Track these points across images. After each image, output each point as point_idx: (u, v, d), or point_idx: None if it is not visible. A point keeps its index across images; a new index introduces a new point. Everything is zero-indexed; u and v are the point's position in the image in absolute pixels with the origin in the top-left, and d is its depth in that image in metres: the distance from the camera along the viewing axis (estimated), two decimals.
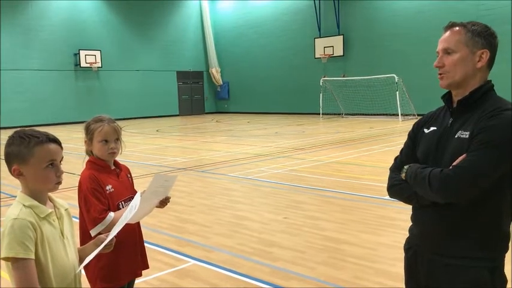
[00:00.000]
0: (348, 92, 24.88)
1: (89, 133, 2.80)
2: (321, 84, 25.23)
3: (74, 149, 12.10)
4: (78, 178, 2.78)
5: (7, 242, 1.82)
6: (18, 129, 2.01)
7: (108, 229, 2.46)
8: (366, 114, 23.72)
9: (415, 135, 2.27)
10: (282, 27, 28.28)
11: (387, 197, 2.27)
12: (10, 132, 2.02)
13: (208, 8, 31.55)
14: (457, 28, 2.09)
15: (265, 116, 27.21)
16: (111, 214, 2.67)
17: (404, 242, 2.29)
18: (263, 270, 4.51)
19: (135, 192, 2.83)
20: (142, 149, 13.83)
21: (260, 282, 4.25)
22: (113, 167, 2.86)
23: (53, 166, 1.95)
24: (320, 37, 26.44)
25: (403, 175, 2.13)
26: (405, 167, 2.14)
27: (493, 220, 2.00)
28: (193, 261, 4.80)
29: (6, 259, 1.82)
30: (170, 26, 30.14)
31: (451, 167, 1.95)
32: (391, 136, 15.53)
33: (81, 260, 2.12)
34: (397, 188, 2.17)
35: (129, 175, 2.99)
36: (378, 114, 23.20)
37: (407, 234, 2.28)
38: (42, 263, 1.89)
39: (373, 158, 10.97)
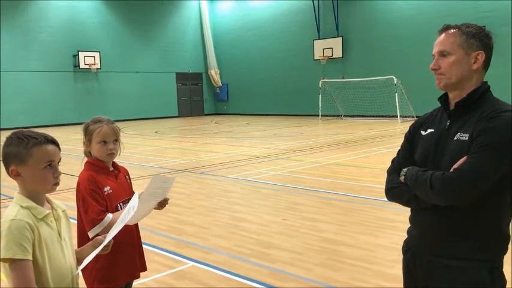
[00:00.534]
0: (347, 94, 24.91)
1: (88, 134, 2.80)
2: (320, 85, 25.27)
3: (72, 150, 12.09)
4: (76, 179, 2.77)
5: (4, 243, 1.81)
6: (16, 130, 2.00)
7: (106, 230, 2.46)
8: (364, 116, 23.74)
9: (412, 137, 2.26)
10: (281, 29, 28.29)
11: (386, 198, 2.27)
12: (9, 133, 2.02)
13: (208, 9, 31.59)
14: (452, 30, 2.09)
15: (264, 118, 27.21)
16: (109, 215, 2.66)
17: (402, 243, 2.29)
18: (261, 272, 4.51)
19: (134, 193, 2.82)
20: (141, 151, 13.82)
21: (258, 283, 4.24)
22: (111, 169, 2.86)
23: (51, 167, 1.95)
24: (319, 39, 26.47)
25: (402, 178, 2.12)
26: (404, 169, 2.12)
27: (493, 221, 2.00)
28: (191, 263, 4.79)
29: (4, 260, 1.81)
30: (169, 28, 30.16)
31: (452, 170, 1.94)
32: (390, 138, 15.53)
33: (78, 262, 2.11)
34: (396, 191, 2.16)
35: (127, 176, 2.98)
36: (376, 116, 23.22)
37: (405, 236, 2.27)
38: (40, 265, 1.88)
39: (371, 160, 10.97)
